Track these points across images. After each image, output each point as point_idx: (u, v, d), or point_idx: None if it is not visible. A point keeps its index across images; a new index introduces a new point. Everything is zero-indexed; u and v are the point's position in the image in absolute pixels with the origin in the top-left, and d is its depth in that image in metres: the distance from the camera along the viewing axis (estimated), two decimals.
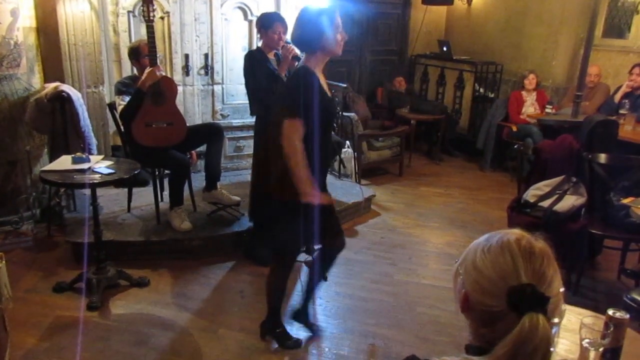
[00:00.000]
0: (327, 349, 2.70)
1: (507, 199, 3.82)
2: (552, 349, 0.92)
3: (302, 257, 3.55)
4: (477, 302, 0.97)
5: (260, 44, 3.50)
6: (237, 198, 3.87)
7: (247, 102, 4.80)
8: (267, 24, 3.31)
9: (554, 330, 1.54)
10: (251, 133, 4.87)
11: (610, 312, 1.53)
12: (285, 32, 3.34)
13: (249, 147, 4.96)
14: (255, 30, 4.63)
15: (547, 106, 5.38)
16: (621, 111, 4.69)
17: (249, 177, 4.74)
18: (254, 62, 3.34)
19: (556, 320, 1.54)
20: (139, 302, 3.03)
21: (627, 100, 4.75)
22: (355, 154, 5.09)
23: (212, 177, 3.82)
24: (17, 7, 3.61)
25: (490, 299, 0.94)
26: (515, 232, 1.00)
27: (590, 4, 4.62)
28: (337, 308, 3.08)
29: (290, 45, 3.27)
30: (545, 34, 5.86)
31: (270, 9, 4.65)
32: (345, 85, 5.67)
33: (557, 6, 5.69)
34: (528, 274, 0.93)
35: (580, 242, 3.22)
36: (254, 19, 4.61)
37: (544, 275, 0.93)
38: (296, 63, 3.29)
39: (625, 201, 2.90)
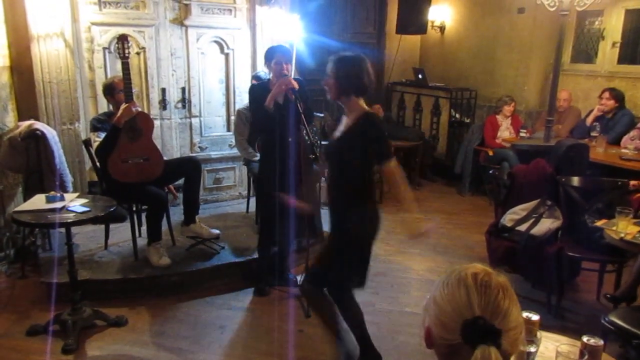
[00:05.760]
0: None
1: (486, 223, 3.85)
2: None
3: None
4: (438, 336, 0.99)
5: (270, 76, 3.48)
6: (217, 231, 3.85)
7: (225, 133, 4.89)
8: (269, 56, 3.32)
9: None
10: (230, 164, 4.93)
11: (584, 338, 1.54)
12: (287, 62, 3.31)
13: (228, 179, 4.97)
14: (231, 63, 4.73)
15: (522, 130, 5.49)
16: (592, 134, 4.81)
17: (228, 209, 4.75)
18: (252, 98, 3.41)
19: (532, 349, 1.55)
20: (116, 343, 2.95)
21: (598, 123, 4.89)
22: None
23: (191, 210, 3.79)
24: None
25: (448, 333, 0.96)
26: (476, 267, 1.02)
27: (557, 30, 4.77)
28: (318, 340, 3.04)
29: (289, 77, 3.25)
30: (517, 60, 6.02)
31: (246, 43, 4.73)
32: (322, 114, 5.72)
33: (527, 33, 5.87)
34: (481, 307, 0.94)
35: (558, 265, 3.25)
36: (230, 52, 4.69)
37: (498, 308, 0.95)
38: (293, 96, 3.18)
39: (599, 223, 2.94)
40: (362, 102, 2.48)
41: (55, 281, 3.27)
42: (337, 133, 2.53)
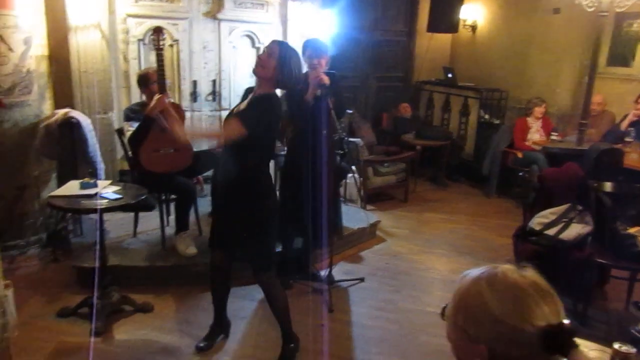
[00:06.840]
0: None
1: (512, 226, 3.80)
2: None
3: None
4: (503, 354, 0.92)
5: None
6: None
7: None
8: (303, 50, 3.33)
9: None
10: None
11: (616, 346, 1.51)
12: (317, 56, 3.30)
13: None
14: None
15: (553, 133, 5.40)
16: (627, 139, 4.70)
17: None
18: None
19: None
20: (142, 328, 3.02)
21: (632, 129, 4.77)
22: (361, 179, 5.11)
23: None
24: (30, 36, 3.69)
25: (519, 347, 0.90)
26: (509, 269, 0.98)
27: (593, 32, 4.67)
28: (339, 336, 3.06)
29: (318, 70, 3.23)
30: (549, 62, 5.91)
31: (277, 37, 4.74)
32: (351, 111, 5.72)
33: (561, 34, 5.76)
34: (553, 313, 0.92)
35: (586, 271, 3.19)
36: (261, 47, 4.72)
37: (558, 306, 0.94)
38: (318, 90, 3.17)
39: (632, 230, 2.88)
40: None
41: (86, 265, 3.36)
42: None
